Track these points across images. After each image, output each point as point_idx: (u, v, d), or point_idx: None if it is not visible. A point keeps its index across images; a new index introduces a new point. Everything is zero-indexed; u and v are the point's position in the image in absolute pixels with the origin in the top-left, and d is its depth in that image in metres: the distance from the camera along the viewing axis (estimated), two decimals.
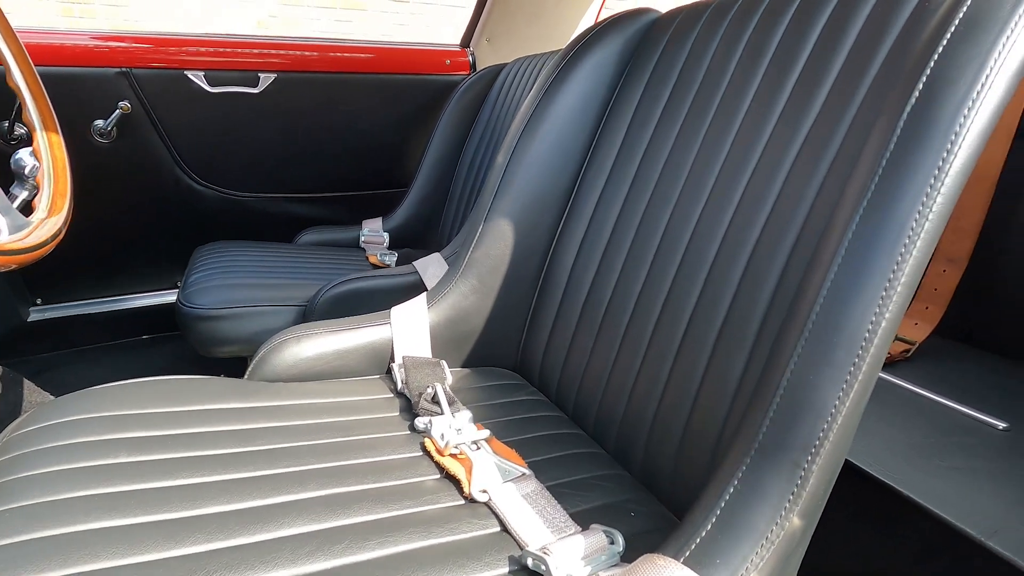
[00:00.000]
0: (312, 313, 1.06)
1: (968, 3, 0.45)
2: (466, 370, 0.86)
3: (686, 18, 0.77)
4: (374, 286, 1.09)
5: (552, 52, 1.42)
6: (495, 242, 0.85)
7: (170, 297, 1.59)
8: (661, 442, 0.62)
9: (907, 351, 1.05)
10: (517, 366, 0.89)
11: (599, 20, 0.89)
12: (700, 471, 0.57)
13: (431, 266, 1.13)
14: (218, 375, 0.72)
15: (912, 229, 0.42)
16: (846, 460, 0.74)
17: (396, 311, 0.83)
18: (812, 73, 0.58)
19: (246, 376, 0.75)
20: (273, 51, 1.46)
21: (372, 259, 1.37)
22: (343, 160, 1.65)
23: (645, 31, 0.85)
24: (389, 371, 0.80)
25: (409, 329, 0.83)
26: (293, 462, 0.57)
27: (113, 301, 1.54)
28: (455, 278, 0.85)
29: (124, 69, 1.34)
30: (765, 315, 0.54)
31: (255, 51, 1.45)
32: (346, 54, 1.54)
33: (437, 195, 1.61)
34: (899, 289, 0.42)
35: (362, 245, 1.51)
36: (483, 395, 0.78)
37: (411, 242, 1.60)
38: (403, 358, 0.78)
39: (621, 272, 0.73)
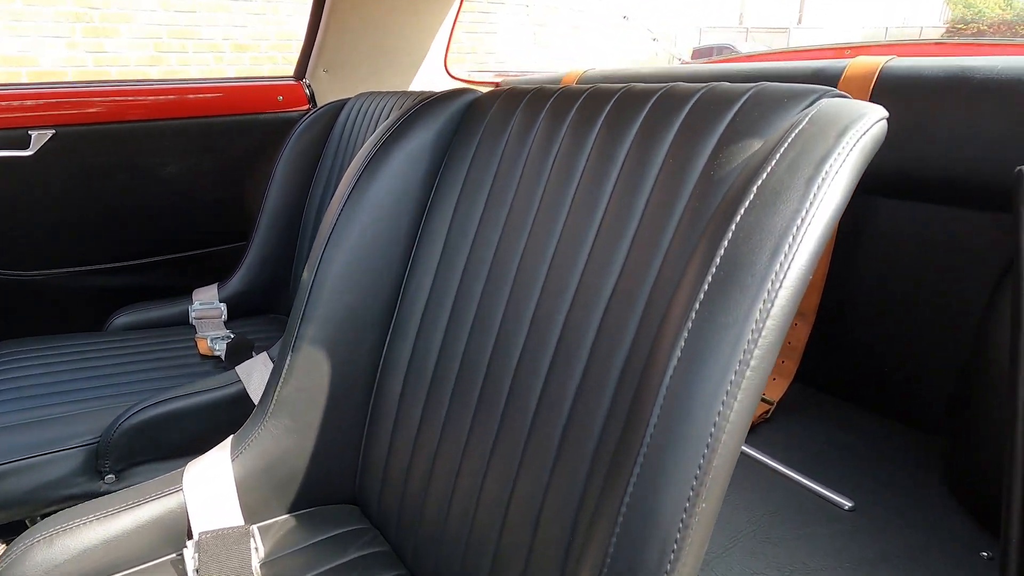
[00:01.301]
0: (106, 454, 0.88)
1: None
2: (291, 521, 0.73)
3: (505, 102, 0.70)
4: (185, 408, 0.93)
5: (398, 93, 1.28)
6: (308, 374, 0.72)
7: None
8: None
9: (767, 412, 1.04)
10: (356, 496, 0.78)
11: (443, 87, 0.77)
12: None
13: (256, 371, 0.98)
14: None
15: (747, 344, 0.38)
16: None
17: (191, 473, 0.69)
18: (636, 165, 0.54)
19: None
20: (46, 101, 1.20)
21: (202, 345, 1.19)
22: (161, 219, 1.42)
23: (464, 111, 0.75)
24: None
25: (209, 492, 0.69)
26: None
27: None
28: (262, 420, 0.72)
29: None
30: (603, 427, 0.50)
31: (21, 103, 1.18)
32: (147, 97, 1.31)
33: (281, 250, 1.42)
34: (739, 396, 0.38)
35: (193, 322, 1.31)
36: (304, 563, 0.67)
37: (256, 308, 1.41)
38: (200, 535, 0.65)
39: (455, 388, 0.66)
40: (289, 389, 0.72)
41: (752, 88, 0.49)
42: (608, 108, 0.60)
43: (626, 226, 0.53)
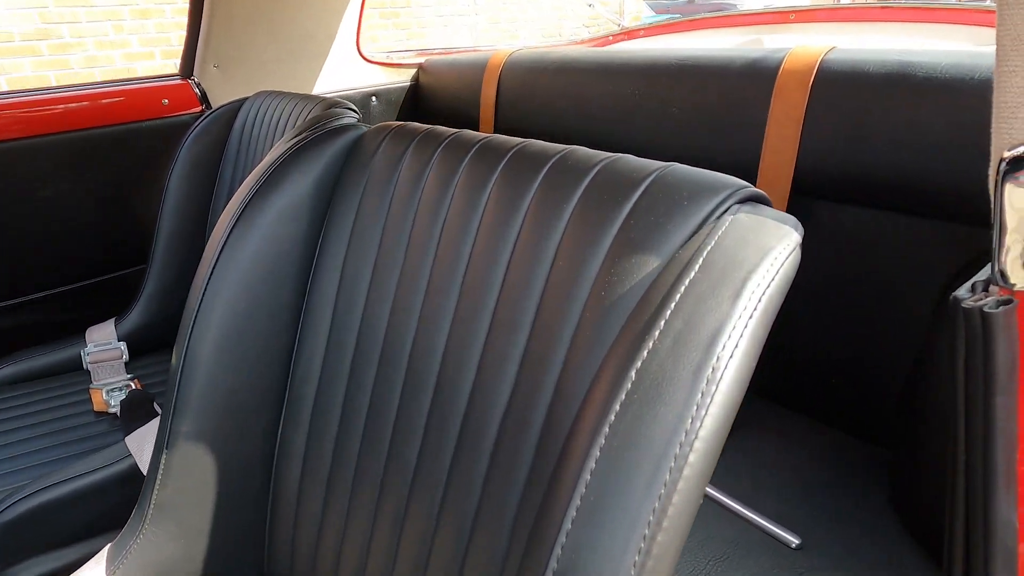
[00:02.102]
0: None
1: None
2: None
3: (393, 143, 0.64)
4: (70, 494, 0.82)
5: (302, 97, 1.13)
6: (189, 473, 0.63)
7: None
8: None
9: None
10: None
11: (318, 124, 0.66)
12: None
13: (148, 441, 0.87)
14: None
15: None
16: None
17: None
18: (534, 235, 0.49)
19: None
20: None
21: (96, 399, 1.06)
22: (41, 250, 1.25)
23: (347, 153, 0.66)
24: None
25: None
26: None
27: None
28: (140, 528, 0.63)
29: None
30: (514, 524, 0.47)
31: None
32: (7, 112, 1.12)
33: (184, 274, 1.28)
34: (666, 520, 0.31)
35: (88, 367, 1.17)
36: None
37: (161, 343, 1.28)
38: None
39: (357, 472, 0.60)
40: (168, 492, 0.63)
41: (658, 171, 0.42)
42: (502, 165, 0.53)
43: (528, 300, 0.48)
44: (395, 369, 0.58)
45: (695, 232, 0.36)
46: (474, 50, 1.72)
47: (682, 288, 0.34)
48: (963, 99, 0.76)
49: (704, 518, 0.84)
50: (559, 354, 0.44)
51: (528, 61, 1.36)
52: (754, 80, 0.96)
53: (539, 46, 1.94)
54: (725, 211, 0.36)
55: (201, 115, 1.28)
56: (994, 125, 0.31)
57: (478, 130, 1.50)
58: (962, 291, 0.34)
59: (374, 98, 1.60)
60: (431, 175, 0.59)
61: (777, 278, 0.32)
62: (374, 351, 0.60)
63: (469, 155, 0.57)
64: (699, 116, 1.04)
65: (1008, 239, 0.31)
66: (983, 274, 0.35)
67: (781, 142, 0.93)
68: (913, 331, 0.89)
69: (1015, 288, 0.31)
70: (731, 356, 0.30)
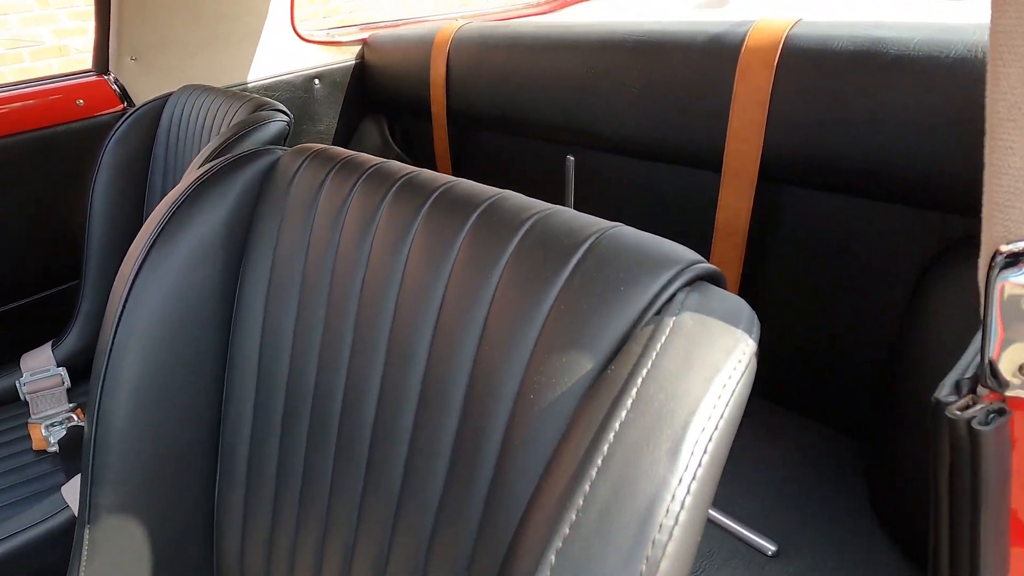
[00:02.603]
0: None
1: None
2: None
3: (312, 172, 0.57)
4: (3, 555, 0.76)
5: (232, 95, 1.03)
6: (117, 547, 0.59)
7: None
8: None
9: None
10: None
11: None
12: None
13: None
14: None
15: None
16: None
17: None
18: (464, 288, 0.44)
19: None
20: None
21: (35, 435, 0.99)
22: None
23: (261, 181, 0.59)
24: None
25: None
26: None
27: None
28: None
29: None
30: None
31: None
32: None
33: None
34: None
35: (25, 398, 1.10)
36: None
37: None
38: None
39: (299, 534, 0.56)
40: (97, 566, 0.58)
41: (597, 235, 0.36)
42: (427, 206, 0.47)
43: (456, 385, 0.43)
44: (326, 425, 0.54)
45: (633, 325, 0.30)
46: (419, 21, 1.61)
47: (615, 427, 0.28)
48: (936, 79, 0.71)
49: None
50: (494, 436, 0.39)
51: (477, 36, 1.26)
52: (716, 59, 0.89)
53: (486, 13, 1.82)
54: (670, 297, 0.30)
55: (123, 115, 1.17)
56: (985, 211, 0.26)
57: (430, 112, 1.41)
58: (945, 390, 0.29)
59: (317, 81, 1.48)
60: (352, 211, 0.53)
61: (726, 413, 0.26)
62: (304, 406, 0.55)
63: (391, 192, 0.51)
64: (659, 97, 0.97)
65: (1000, 339, 0.27)
66: (968, 369, 0.30)
67: (746, 128, 0.86)
68: (887, 320, 0.86)
69: (1006, 394, 0.27)
70: (669, 537, 0.24)
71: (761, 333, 1.00)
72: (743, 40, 0.86)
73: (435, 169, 1.50)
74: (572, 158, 1.19)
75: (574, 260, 0.35)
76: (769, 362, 1.02)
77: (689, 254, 0.32)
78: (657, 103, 0.97)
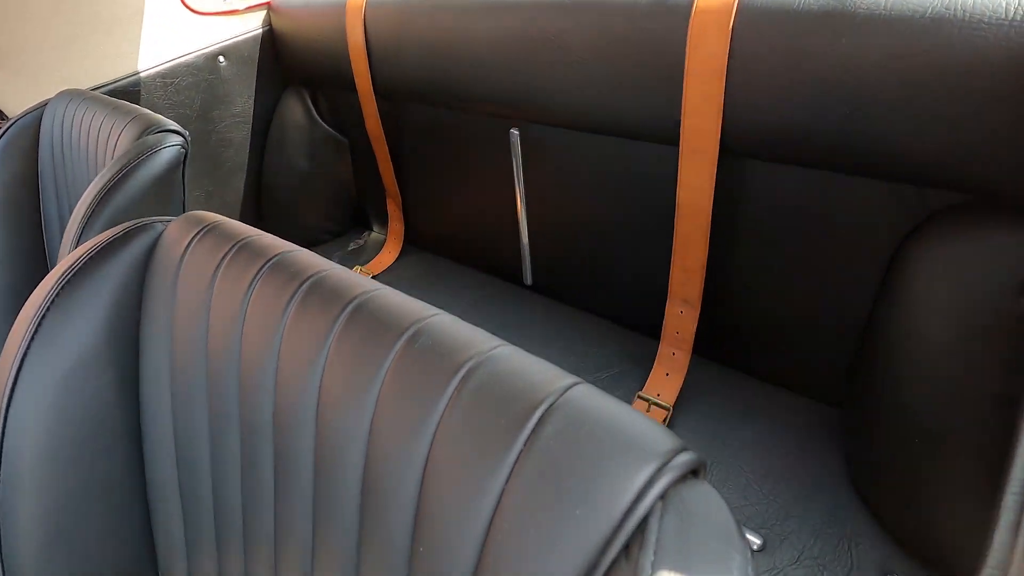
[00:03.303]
0: None
1: None
2: None
3: (206, 247, 0.49)
4: None
5: (115, 107, 0.89)
6: None
7: None
8: None
9: (665, 419, 0.94)
10: None
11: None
12: None
13: None
14: None
15: None
16: None
17: None
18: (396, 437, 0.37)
19: None
20: None
21: None
22: None
23: (149, 255, 0.51)
24: None
25: None
26: None
27: None
28: None
29: None
30: None
31: None
32: None
33: None
34: None
35: None
36: None
37: None
38: None
39: None
40: None
41: (566, 388, 0.29)
42: (344, 315, 0.40)
43: (350, 481, 0.38)
44: (257, 549, 0.48)
45: (606, 544, 0.24)
46: None
47: None
48: (911, 41, 0.63)
49: None
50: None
51: (392, 2, 1.11)
52: (663, 21, 0.78)
53: None
54: (649, 510, 0.24)
55: None
56: None
57: (355, 89, 1.26)
58: None
59: (222, 58, 1.31)
60: (255, 303, 0.44)
61: None
62: (235, 521, 0.49)
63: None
64: (605, 64, 0.86)
65: None
66: None
67: (703, 102, 0.78)
68: (863, 292, 0.82)
69: None
70: None
71: (732, 307, 0.96)
72: (692, 3, 0.75)
73: (370, 150, 1.37)
74: (516, 132, 1.08)
75: (526, 430, 0.28)
76: (741, 335, 0.99)
77: (668, 438, 0.25)
78: (604, 72, 0.87)
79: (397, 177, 1.38)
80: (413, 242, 1.48)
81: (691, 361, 1.00)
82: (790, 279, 0.88)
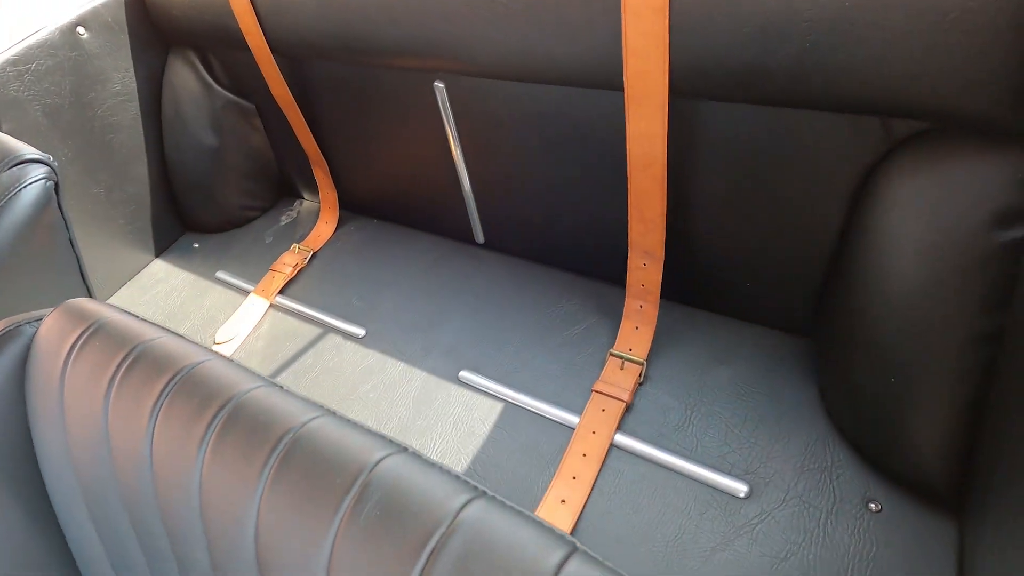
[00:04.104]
0: None
1: None
2: None
3: (92, 353, 0.43)
4: None
5: None
6: None
7: None
8: None
9: (640, 375, 0.92)
10: None
11: None
12: None
13: None
14: None
15: None
16: None
17: None
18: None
19: None
20: None
21: None
22: None
23: (23, 360, 0.44)
24: None
25: None
26: None
27: None
28: None
29: None
30: None
31: None
32: None
33: None
34: None
35: None
36: None
37: None
38: None
39: None
40: None
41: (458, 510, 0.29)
42: (217, 423, 0.36)
43: None
44: None
45: None
46: None
47: None
48: None
49: (654, 490, 0.81)
50: None
51: None
52: None
53: None
54: None
55: None
56: None
57: (249, 50, 1.10)
58: None
59: (81, 29, 1.11)
60: (160, 434, 0.37)
61: None
62: None
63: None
64: (532, 8, 0.75)
65: None
66: None
67: (646, 42, 0.68)
68: (829, 226, 0.79)
69: None
70: None
71: (696, 251, 0.92)
72: None
73: (281, 114, 1.22)
74: (442, 85, 0.96)
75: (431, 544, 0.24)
76: (707, 277, 0.96)
77: (561, 538, 0.24)
78: (530, 15, 0.76)
79: (318, 141, 1.24)
80: (349, 208, 1.37)
81: (660, 307, 0.97)
82: (754, 219, 0.83)
